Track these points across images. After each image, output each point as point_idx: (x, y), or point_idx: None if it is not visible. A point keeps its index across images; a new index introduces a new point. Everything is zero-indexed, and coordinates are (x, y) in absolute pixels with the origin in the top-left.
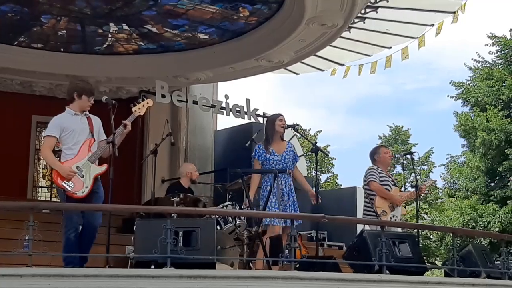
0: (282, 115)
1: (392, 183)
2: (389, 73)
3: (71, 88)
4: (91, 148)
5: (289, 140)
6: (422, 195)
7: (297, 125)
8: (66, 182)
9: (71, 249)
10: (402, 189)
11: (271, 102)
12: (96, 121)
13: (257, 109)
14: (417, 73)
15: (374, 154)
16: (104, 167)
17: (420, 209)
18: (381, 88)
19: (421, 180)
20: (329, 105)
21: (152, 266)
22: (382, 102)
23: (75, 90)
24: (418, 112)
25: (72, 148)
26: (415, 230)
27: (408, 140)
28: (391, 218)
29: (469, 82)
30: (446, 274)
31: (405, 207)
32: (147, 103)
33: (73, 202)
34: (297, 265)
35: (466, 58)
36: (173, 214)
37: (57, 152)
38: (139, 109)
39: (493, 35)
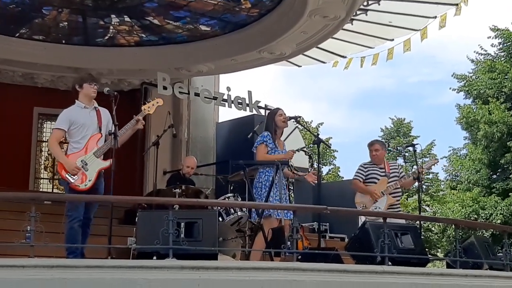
0: (281, 109)
1: (383, 174)
2: (393, 66)
3: (73, 83)
4: (98, 143)
5: (291, 132)
6: (423, 175)
7: (299, 117)
8: (70, 175)
9: (74, 238)
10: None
11: (273, 94)
12: (105, 114)
13: (259, 101)
14: (421, 66)
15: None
16: (108, 162)
17: (422, 201)
18: (385, 81)
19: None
20: (332, 98)
21: (154, 257)
22: (386, 95)
23: (76, 82)
24: (421, 105)
25: (80, 142)
26: (417, 222)
27: (410, 132)
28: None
29: (472, 74)
30: (448, 266)
31: (407, 199)
32: (157, 103)
33: (77, 194)
34: (299, 257)
35: (470, 51)
36: (175, 206)
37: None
38: (148, 108)
39: (496, 27)
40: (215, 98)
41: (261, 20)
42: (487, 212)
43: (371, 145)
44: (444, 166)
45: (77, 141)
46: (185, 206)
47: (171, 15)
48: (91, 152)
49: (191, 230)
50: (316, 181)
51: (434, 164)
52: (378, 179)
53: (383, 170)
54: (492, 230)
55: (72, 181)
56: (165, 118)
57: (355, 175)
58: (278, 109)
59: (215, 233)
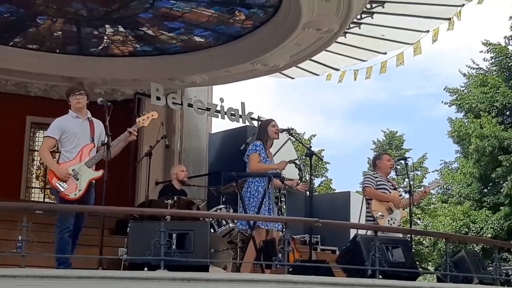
0: (274, 121)
1: (392, 187)
2: (387, 79)
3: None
4: (90, 153)
5: (283, 144)
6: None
7: (292, 129)
8: (60, 183)
9: (64, 249)
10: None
11: (267, 106)
12: (98, 125)
13: (252, 113)
14: (414, 79)
15: (376, 160)
16: (100, 172)
17: (413, 215)
18: (379, 94)
19: (415, 186)
20: (326, 110)
21: (146, 268)
22: (379, 108)
23: (65, 94)
24: (415, 118)
25: (72, 152)
26: (408, 235)
27: (402, 145)
28: (389, 221)
29: (464, 88)
30: (439, 280)
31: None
32: (152, 116)
33: (67, 203)
34: (290, 269)
35: (463, 64)
36: (167, 217)
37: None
38: (143, 120)
39: (488, 42)
40: (208, 109)
41: (255, 32)
42: (477, 226)
43: (386, 155)
44: (436, 179)
45: (69, 151)
46: (177, 217)
47: (165, 25)
48: (83, 162)
49: (183, 242)
50: (308, 189)
51: (437, 186)
52: (389, 191)
53: (391, 184)
54: (482, 244)
55: (62, 190)
56: (158, 128)
57: (367, 183)
58: (271, 120)
59: (207, 244)
